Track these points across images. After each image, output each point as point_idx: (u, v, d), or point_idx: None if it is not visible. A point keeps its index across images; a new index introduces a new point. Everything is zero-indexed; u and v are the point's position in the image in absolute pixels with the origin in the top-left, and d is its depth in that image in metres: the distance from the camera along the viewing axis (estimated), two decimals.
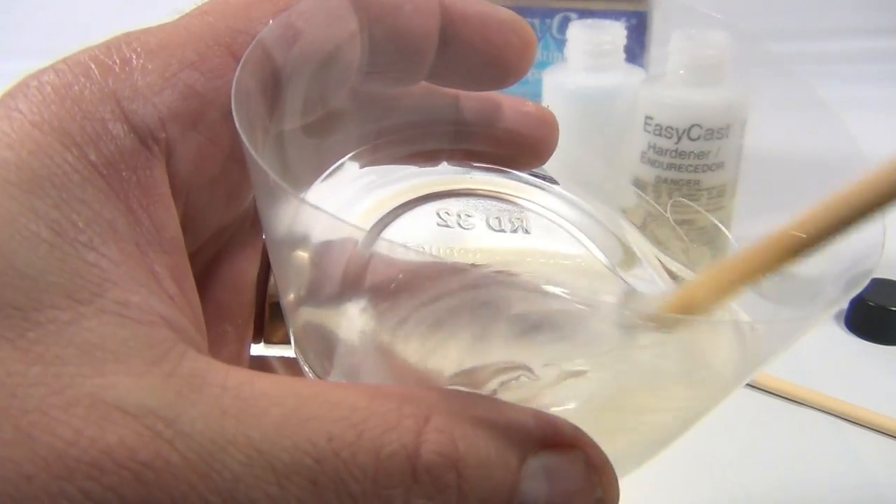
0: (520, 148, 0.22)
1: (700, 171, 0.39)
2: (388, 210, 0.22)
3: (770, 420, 0.38)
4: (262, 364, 0.21)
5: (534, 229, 0.23)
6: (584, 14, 0.48)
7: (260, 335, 0.21)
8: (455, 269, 0.15)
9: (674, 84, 0.39)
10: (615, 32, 0.42)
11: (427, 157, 0.22)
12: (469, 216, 0.22)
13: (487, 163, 0.23)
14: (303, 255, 0.16)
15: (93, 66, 0.15)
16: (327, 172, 0.21)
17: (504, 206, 0.23)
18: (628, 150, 0.40)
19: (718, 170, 0.39)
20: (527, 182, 0.24)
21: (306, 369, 0.17)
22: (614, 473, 0.14)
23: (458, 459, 0.13)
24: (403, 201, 0.22)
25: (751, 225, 0.24)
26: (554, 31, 0.50)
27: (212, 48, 0.16)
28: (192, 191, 0.16)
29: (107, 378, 0.12)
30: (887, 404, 0.38)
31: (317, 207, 0.13)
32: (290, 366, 0.20)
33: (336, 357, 0.17)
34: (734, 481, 0.35)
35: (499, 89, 0.21)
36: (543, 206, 0.23)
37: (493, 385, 0.15)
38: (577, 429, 0.14)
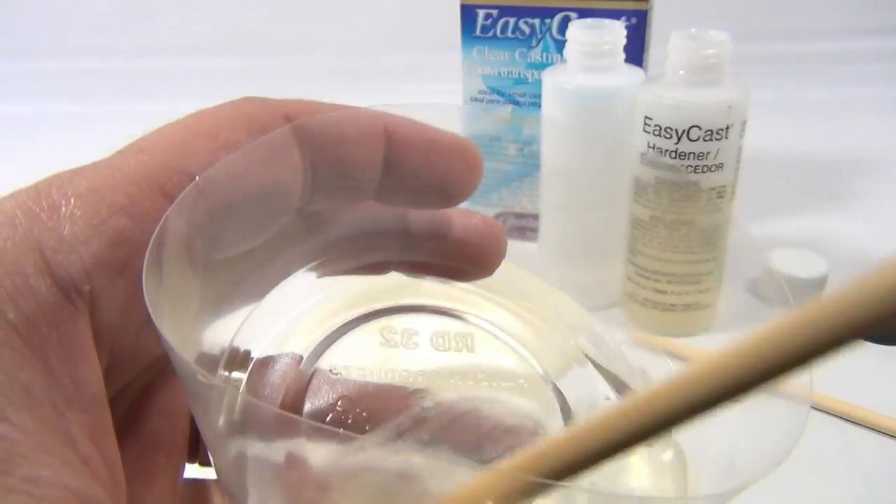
0: (468, 260, 0.22)
1: (700, 171, 0.39)
2: (332, 329, 0.22)
3: None
4: (196, 489, 0.20)
5: (478, 347, 0.22)
6: (584, 13, 0.48)
7: (195, 456, 0.20)
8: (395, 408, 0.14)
9: (673, 84, 0.39)
10: (615, 32, 0.42)
11: (375, 268, 0.22)
12: (413, 335, 0.22)
13: (436, 274, 0.23)
14: (231, 382, 0.16)
15: (19, 215, 0.14)
16: (271, 288, 0.21)
17: (450, 321, 0.23)
18: (628, 150, 0.40)
19: (718, 171, 0.39)
20: (476, 297, 0.24)
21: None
22: None
23: None
24: (348, 319, 0.22)
25: (751, 225, 0.24)
26: (554, 31, 0.50)
27: (143, 190, 0.15)
28: (118, 337, 0.15)
29: None
30: (887, 404, 0.38)
31: (248, 397, 0.12)
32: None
33: (251, 497, 0.16)
34: (734, 481, 0.35)
35: (443, 209, 0.22)
36: (488, 321, 0.23)
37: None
38: None
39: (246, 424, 0.15)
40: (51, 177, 0.15)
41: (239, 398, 0.14)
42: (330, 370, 0.20)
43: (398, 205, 0.21)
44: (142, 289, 0.14)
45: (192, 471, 0.20)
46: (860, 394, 0.38)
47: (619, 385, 0.23)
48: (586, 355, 0.23)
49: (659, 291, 0.40)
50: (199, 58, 0.91)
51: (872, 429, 0.37)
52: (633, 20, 0.47)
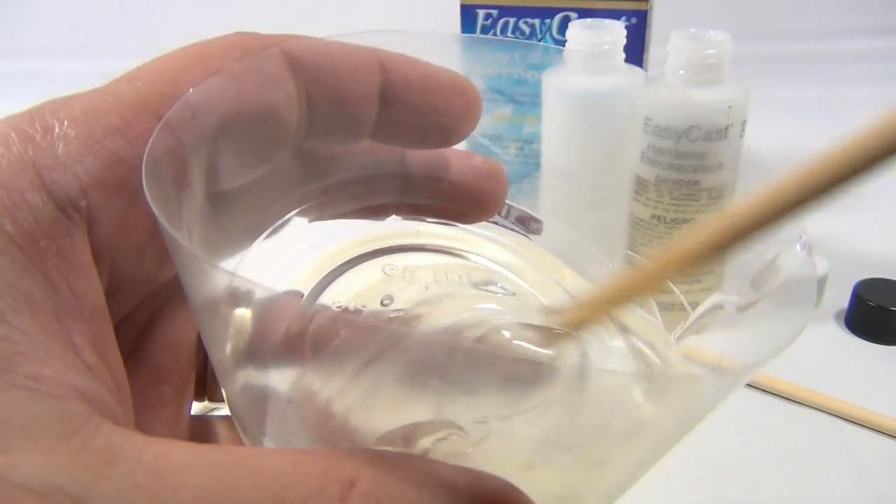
0: (467, 201, 0.22)
1: (700, 171, 0.39)
2: (333, 266, 0.22)
3: (770, 420, 0.38)
4: (203, 424, 0.20)
5: (479, 285, 0.22)
6: (584, 13, 0.48)
7: (203, 393, 0.20)
8: (394, 322, 0.14)
9: (673, 84, 0.39)
10: (615, 32, 0.42)
11: (374, 211, 0.22)
12: (415, 270, 0.22)
13: (436, 216, 0.23)
14: (236, 315, 0.16)
15: (13, 136, 0.14)
16: (272, 229, 0.20)
17: (451, 260, 0.23)
18: (628, 149, 0.40)
19: (718, 170, 0.39)
20: (474, 234, 0.23)
21: (242, 434, 0.17)
22: None
23: None
24: (349, 257, 0.22)
25: None
26: (554, 31, 0.50)
27: (138, 114, 0.15)
28: (117, 258, 0.16)
29: (12, 456, 0.12)
30: (887, 404, 0.38)
31: (230, 272, 0.13)
32: (233, 425, 0.20)
33: (269, 422, 0.16)
34: (734, 481, 0.35)
35: (443, 148, 0.21)
36: (488, 259, 0.23)
37: (424, 444, 0.15)
38: (511, 487, 0.14)
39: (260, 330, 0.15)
40: (44, 102, 0.15)
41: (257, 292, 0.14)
42: (333, 304, 0.20)
43: (396, 144, 0.21)
44: (139, 208, 0.15)
45: (202, 407, 0.20)
46: (860, 394, 0.38)
47: (621, 326, 0.22)
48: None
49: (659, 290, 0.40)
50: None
51: (872, 429, 0.37)
52: (633, 20, 0.47)
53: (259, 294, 0.14)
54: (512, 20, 0.50)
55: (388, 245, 0.23)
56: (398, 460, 0.13)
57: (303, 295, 0.20)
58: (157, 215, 0.13)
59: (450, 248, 0.23)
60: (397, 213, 0.23)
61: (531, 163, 0.49)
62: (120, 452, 0.12)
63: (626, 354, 0.22)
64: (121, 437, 0.12)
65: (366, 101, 0.19)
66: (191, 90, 0.16)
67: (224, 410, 0.19)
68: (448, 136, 0.20)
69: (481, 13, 0.50)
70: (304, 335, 0.16)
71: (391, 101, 0.19)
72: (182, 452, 0.12)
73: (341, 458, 0.13)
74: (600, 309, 0.18)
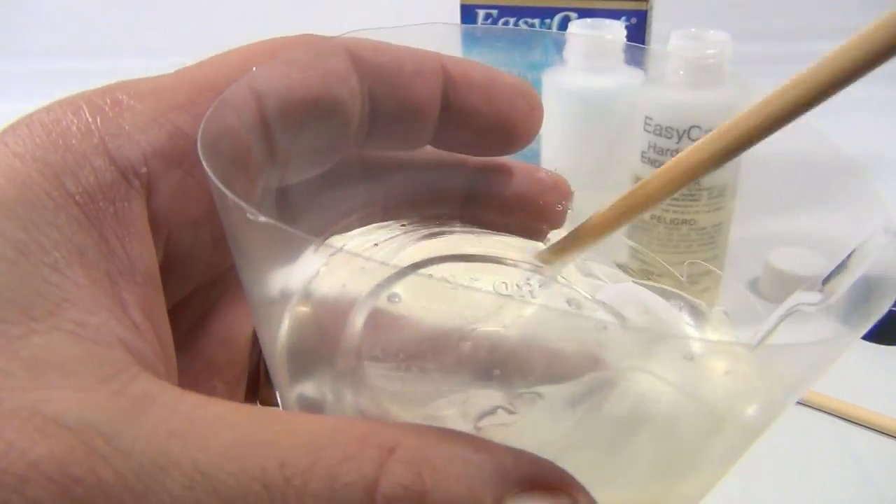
0: (530, 215, 0.22)
1: None
2: (390, 273, 0.22)
3: None
4: None
5: (540, 295, 0.22)
6: (584, 13, 0.48)
7: (255, 395, 0.20)
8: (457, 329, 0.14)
9: (673, 84, 0.39)
10: (615, 32, 0.42)
11: (436, 222, 0.22)
12: (475, 280, 0.22)
13: (497, 229, 0.23)
14: (294, 311, 0.15)
15: (83, 106, 0.15)
16: (328, 234, 0.20)
17: (514, 270, 0.22)
18: (629, 149, 0.40)
19: (718, 170, 0.39)
20: (536, 248, 0.23)
21: None
22: None
23: (423, 493, 0.12)
24: (408, 264, 0.21)
25: (751, 225, 0.24)
26: (554, 31, 0.50)
27: (204, 93, 0.16)
28: (174, 229, 0.16)
29: (50, 392, 0.12)
30: (887, 404, 0.38)
31: (328, 244, 0.12)
32: None
33: None
34: (734, 481, 0.35)
35: (506, 154, 0.21)
36: (557, 275, 0.22)
37: (471, 422, 0.15)
38: (563, 471, 0.13)
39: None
40: (117, 82, 0.16)
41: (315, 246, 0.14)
42: (388, 299, 0.20)
43: (458, 150, 0.21)
44: (198, 182, 0.15)
45: None
46: (860, 394, 0.38)
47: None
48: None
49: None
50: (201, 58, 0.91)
51: (872, 429, 0.37)
52: (633, 20, 0.47)
53: (319, 287, 0.14)
54: (512, 20, 0.50)
55: (448, 253, 0.22)
56: (443, 434, 0.13)
57: (357, 298, 0.20)
58: (207, 172, 0.13)
59: (514, 259, 0.22)
60: (460, 225, 0.22)
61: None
62: (155, 400, 0.12)
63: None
64: (158, 386, 0.12)
65: (428, 101, 0.19)
66: (254, 68, 0.16)
67: None
68: (511, 140, 0.20)
69: (481, 13, 0.50)
70: (361, 339, 0.16)
71: (454, 104, 0.19)
72: (219, 406, 0.12)
73: (384, 425, 0.13)
74: (583, 243, 0.18)
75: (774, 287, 0.19)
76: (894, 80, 0.88)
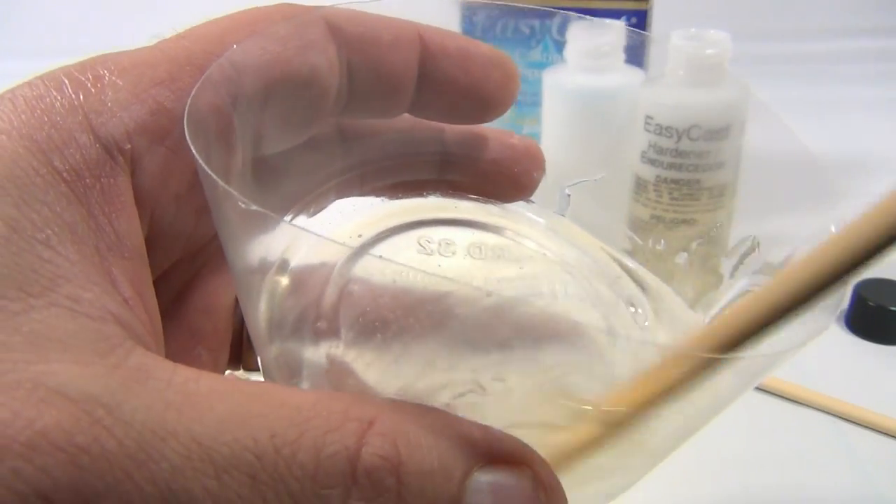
0: (505, 180, 0.23)
1: (700, 170, 0.39)
2: (368, 236, 0.22)
3: (770, 420, 0.38)
4: None
5: (516, 260, 0.22)
6: (585, 13, 0.48)
7: (238, 361, 0.21)
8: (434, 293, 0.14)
9: (673, 84, 0.39)
10: (615, 32, 0.42)
11: (413, 188, 0.23)
12: (450, 244, 0.22)
13: (474, 194, 0.23)
14: (273, 282, 0.16)
15: (66, 81, 0.15)
16: (307, 200, 0.21)
17: (486, 234, 0.23)
18: (629, 149, 0.40)
19: (718, 170, 0.39)
20: (513, 213, 0.23)
21: None
22: (564, 496, 0.14)
23: (399, 464, 0.13)
24: (385, 228, 0.22)
25: (751, 225, 0.24)
26: (554, 31, 0.50)
27: (184, 68, 0.16)
28: (158, 204, 0.16)
29: (51, 365, 0.12)
30: (887, 404, 0.38)
31: (296, 226, 0.13)
32: None
33: (303, 385, 0.17)
34: (734, 481, 0.35)
35: (482, 123, 0.21)
36: (525, 236, 0.23)
37: (444, 399, 0.15)
38: (526, 447, 0.14)
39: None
40: (96, 55, 0.16)
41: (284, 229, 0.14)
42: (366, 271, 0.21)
43: (435, 118, 0.21)
44: (181, 158, 0.15)
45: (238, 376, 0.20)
46: (860, 394, 0.38)
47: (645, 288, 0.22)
48: (620, 265, 0.23)
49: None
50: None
51: (872, 429, 0.37)
52: (633, 20, 0.47)
53: (297, 258, 0.14)
54: (512, 20, 0.50)
55: (424, 218, 0.23)
56: (418, 409, 0.14)
57: (335, 265, 0.20)
58: (196, 158, 0.13)
59: (486, 223, 0.23)
60: (435, 191, 0.23)
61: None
62: (151, 373, 0.13)
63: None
64: (152, 360, 0.13)
65: (405, 71, 0.19)
66: (234, 46, 0.16)
67: (259, 378, 0.19)
68: (487, 109, 0.20)
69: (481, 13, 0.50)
70: (337, 306, 0.16)
71: (430, 73, 0.19)
72: (211, 379, 0.13)
73: (363, 400, 0.13)
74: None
75: None
76: (894, 79, 0.88)
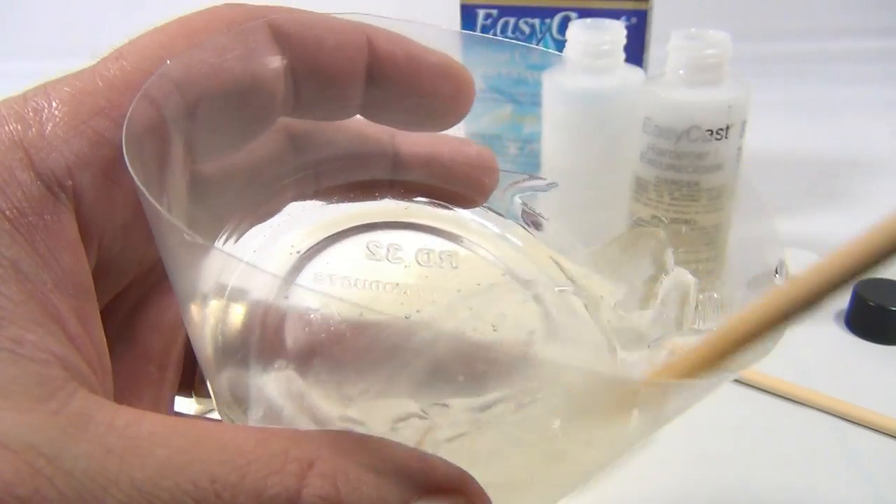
0: (458, 187, 0.22)
1: (699, 171, 0.39)
2: (318, 239, 0.22)
3: (770, 420, 0.38)
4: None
5: (462, 265, 0.22)
6: (584, 13, 0.48)
7: (190, 384, 0.21)
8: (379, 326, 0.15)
9: (673, 84, 0.39)
10: (615, 32, 0.42)
11: (366, 188, 0.22)
12: (398, 249, 0.22)
13: (428, 197, 0.23)
14: (215, 309, 0.16)
15: (6, 116, 0.15)
16: (260, 202, 0.21)
17: (435, 239, 0.23)
18: (628, 150, 0.40)
19: (717, 171, 0.39)
20: (464, 219, 0.24)
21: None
22: None
23: (339, 503, 0.13)
24: (335, 231, 0.22)
25: (751, 225, 0.24)
26: (554, 31, 0.50)
27: (123, 94, 0.16)
28: (104, 236, 0.16)
29: None
30: (887, 404, 0.38)
31: (223, 251, 0.13)
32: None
33: (249, 414, 0.17)
34: (734, 481, 0.35)
35: (435, 131, 0.21)
36: (475, 243, 0.23)
37: (386, 426, 0.16)
38: (462, 473, 0.14)
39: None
40: (38, 85, 0.16)
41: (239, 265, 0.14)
42: (314, 277, 0.21)
43: (386, 123, 0.21)
44: (124, 188, 0.15)
45: (189, 405, 0.20)
46: (860, 394, 0.38)
47: (591, 300, 0.22)
48: (563, 271, 0.23)
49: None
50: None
51: (872, 429, 0.37)
52: (633, 20, 0.47)
53: (236, 279, 0.14)
54: (512, 20, 0.50)
55: (375, 221, 0.23)
56: (357, 442, 0.14)
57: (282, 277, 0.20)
58: (137, 183, 0.13)
59: (436, 227, 0.23)
60: (390, 194, 0.23)
61: (531, 163, 0.49)
62: (93, 418, 0.13)
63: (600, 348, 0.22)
64: (94, 403, 0.13)
65: (351, 78, 0.19)
66: (168, 62, 0.16)
67: (216, 413, 0.19)
68: (436, 119, 0.20)
69: (481, 13, 0.50)
70: (279, 331, 0.16)
71: (378, 80, 0.19)
72: (152, 422, 0.13)
73: (302, 438, 0.14)
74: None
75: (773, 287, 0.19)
76: (894, 79, 0.88)
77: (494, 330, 0.21)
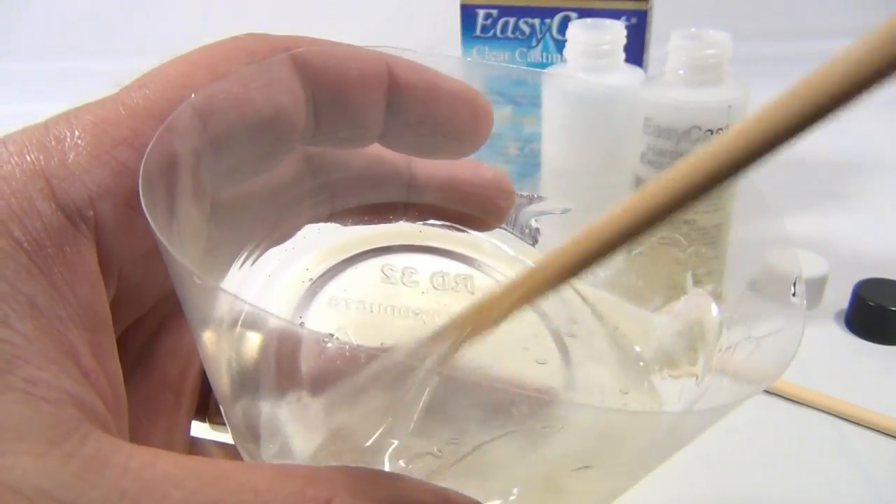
0: (473, 210, 0.22)
1: None
2: (332, 263, 0.22)
3: (770, 420, 0.38)
4: (200, 447, 0.20)
5: (477, 289, 0.22)
6: (584, 13, 0.48)
7: (205, 409, 0.21)
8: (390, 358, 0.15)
9: (673, 84, 0.39)
10: (615, 32, 0.42)
11: (381, 211, 0.22)
12: (413, 272, 0.22)
13: (442, 220, 0.23)
14: (228, 341, 0.16)
15: (27, 145, 0.15)
16: (276, 225, 0.21)
17: (450, 262, 0.23)
18: (629, 150, 0.40)
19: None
20: (478, 240, 0.23)
21: (245, 456, 0.18)
22: None
23: None
24: (350, 254, 0.22)
25: (751, 225, 0.24)
26: (554, 31, 0.50)
27: (146, 123, 0.16)
28: (125, 266, 0.16)
29: (6, 458, 0.12)
30: (887, 404, 0.38)
31: (231, 293, 0.13)
32: (230, 452, 0.20)
33: (262, 445, 0.17)
34: (734, 481, 0.35)
35: (452, 159, 0.21)
36: (490, 266, 0.23)
37: (401, 463, 0.15)
38: None
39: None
40: (60, 113, 0.16)
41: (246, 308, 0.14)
42: (329, 301, 0.21)
43: (404, 152, 0.21)
44: (146, 218, 0.15)
45: (204, 430, 0.20)
46: (860, 394, 0.38)
47: (609, 325, 0.22)
48: (582, 298, 0.23)
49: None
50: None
51: (872, 429, 0.37)
52: (633, 20, 0.47)
53: (248, 315, 0.14)
54: (512, 20, 0.50)
55: (390, 244, 0.23)
56: (373, 480, 0.14)
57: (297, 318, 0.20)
58: (151, 225, 0.13)
59: (450, 250, 0.23)
60: (405, 217, 0.23)
61: (531, 163, 0.49)
62: (107, 460, 0.12)
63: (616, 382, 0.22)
64: (108, 444, 0.13)
65: (371, 107, 0.19)
66: (192, 95, 0.16)
67: (222, 436, 0.19)
68: (454, 147, 0.20)
69: (481, 13, 0.50)
70: (295, 362, 0.16)
71: (397, 108, 0.19)
72: (167, 463, 0.13)
73: (319, 476, 0.13)
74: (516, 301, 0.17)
75: (774, 287, 0.19)
76: (894, 79, 0.87)
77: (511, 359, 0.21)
